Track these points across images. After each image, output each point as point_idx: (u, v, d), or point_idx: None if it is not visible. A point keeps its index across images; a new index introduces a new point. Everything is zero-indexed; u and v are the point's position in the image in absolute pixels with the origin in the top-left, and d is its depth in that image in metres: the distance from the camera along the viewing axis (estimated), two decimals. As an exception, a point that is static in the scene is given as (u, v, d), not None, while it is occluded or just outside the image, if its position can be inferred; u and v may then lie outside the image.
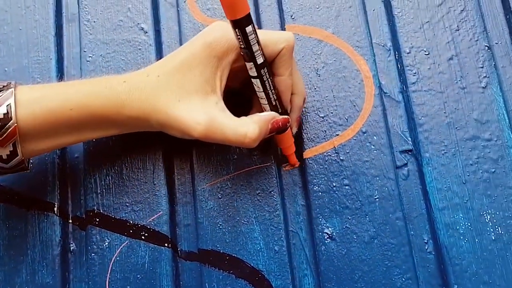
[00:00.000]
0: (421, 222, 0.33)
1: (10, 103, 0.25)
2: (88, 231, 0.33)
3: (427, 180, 0.34)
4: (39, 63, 0.36)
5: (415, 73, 0.35)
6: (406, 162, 0.34)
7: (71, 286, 0.33)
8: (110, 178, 0.34)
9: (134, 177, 0.34)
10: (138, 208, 0.34)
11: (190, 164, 0.34)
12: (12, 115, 0.25)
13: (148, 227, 0.33)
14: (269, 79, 0.30)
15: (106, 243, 0.33)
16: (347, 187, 0.34)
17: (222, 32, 0.28)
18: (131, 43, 0.37)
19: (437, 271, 0.32)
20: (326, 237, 0.33)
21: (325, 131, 0.35)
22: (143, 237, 0.33)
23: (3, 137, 0.25)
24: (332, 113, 0.35)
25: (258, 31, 0.28)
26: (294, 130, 0.33)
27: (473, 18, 0.36)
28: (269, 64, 0.30)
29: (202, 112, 0.27)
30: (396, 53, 0.36)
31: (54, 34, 0.37)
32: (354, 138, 0.34)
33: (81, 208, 0.34)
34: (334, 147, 0.34)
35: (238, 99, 0.33)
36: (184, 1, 0.38)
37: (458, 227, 0.33)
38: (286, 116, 0.31)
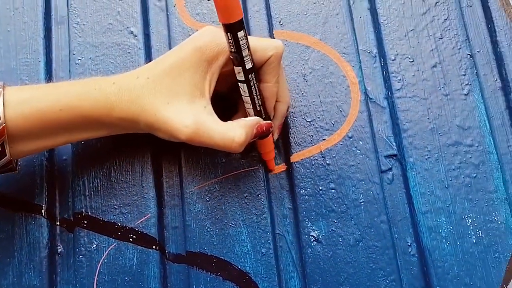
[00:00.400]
0: (404, 226, 0.34)
1: None
2: (76, 233, 0.34)
3: (411, 184, 0.35)
4: (27, 65, 0.37)
5: (399, 79, 0.37)
6: (390, 166, 0.35)
7: (58, 289, 0.33)
8: (98, 180, 0.35)
9: (122, 179, 0.35)
10: (126, 211, 0.34)
11: (178, 167, 0.35)
12: (0, 115, 0.26)
13: (136, 229, 0.34)
14: (255, 85, 0.31)
15: (94, 245, 0.34)
16: (333, 190, 0.35)
17: (212, 36, 0.29)
18: (121, 46, 0.38)
19: (420, 273, 0.34)
20: (312, 240, 0.34)
21: (312, 135, 0.36)
22: (131, 240, 0.34)
23: None
24: (319, 118, 0.36)
25: (248, 37, 0.29)
26: (276, 136, 0.34)
27: (456, 27, 0.38)
28: (257, 70, 0.31)
29: (190, 115, 0.28)
30: (382, 60, 0.38)
31: (43, 37, 0.38)
32: (340, 143, 0.36)
33: (69, 210, 0.34)
34: (321, 151, 0.36)
35: (224, 103, 0.34)
36: (174, 6, 0.39)
37: (440, 231, 0.34)
38: (269, 122, 0.32)
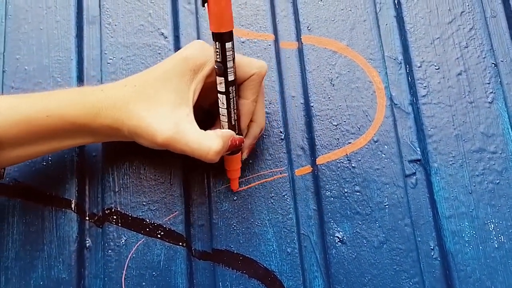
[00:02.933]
0: (428, 229, 0.39)
1: None
2: (105, 228, 0.39)
3: (435, 189, 0.40)
4: (59, 63, 0.43)
5: (425, 86, 0.42)
6: (414, 171, 0.41)
7: (86, 282, 0.38)
8: (128, 177, 0.40)
9: (151, 177, 0.40)
10: (154, 208, 0.40)
11: (206, 166, 0.40)
12: None
13: (164, 226, 0.39)
14: (234, 98, 0.34)
15: (123, 241, 0.39)
16: (358, 193, 0.40)
17: (199, 48, 0.34)
18: (151, 47, 0.43)
19: (442, 276, 0.38)
20: (337, 241, 0.39)
21: (338, 139, 0.41)
22: (159, 236, 0.39)
23: None
24: (345, 121, 0.42)
25: (235, 53, 0.34)
26: (244, 155, 0.38)
27: (481, 37, 0.44)
28: (238, 86, 0.35)
29: (170, 122, 0.32)
30: (407, 66, 0.43)
31: (75, 35, 0.43)
32: (366, 147, 0.41)
33: (98, 206, 0.39)
34: (347, 154, 0.41)
35: (204, 117, 0.38)
36: (204, 9, 0.44)
37: (463, 235, 0.39)
38: (242, 137, 0.36)
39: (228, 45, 0.32)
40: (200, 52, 0.34)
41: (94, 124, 0.32)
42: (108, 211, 0.39)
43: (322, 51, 0.43)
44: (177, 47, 0.43)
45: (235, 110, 0.35)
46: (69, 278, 0.38)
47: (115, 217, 0.39)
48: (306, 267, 0.39)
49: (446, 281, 0.38)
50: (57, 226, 0.39)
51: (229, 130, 0.35)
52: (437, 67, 0.43)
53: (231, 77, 0.34)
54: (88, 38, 0.43)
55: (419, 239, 0.39)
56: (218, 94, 0.35)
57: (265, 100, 0.42)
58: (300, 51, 0.43)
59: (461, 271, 0.38)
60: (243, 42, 0.44)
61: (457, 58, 0.43)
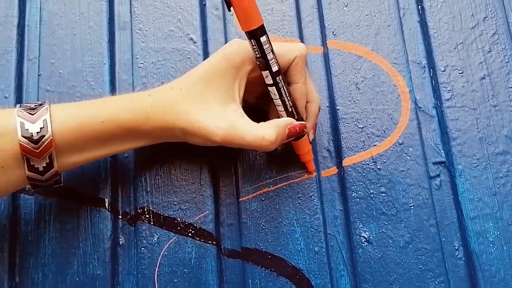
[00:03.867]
0: (452, 230, 0.42)
1: (46, 118, 0.32)
2: (138, 227, 0.42)
3: (460, 190, 0.43)
4: (92, 67, 0.46)
5: (449, 90, 0.45)
6: (439, 173, 0.43)
7: (120, 278, 0.41)
8: (159, 177, 0.43)
9: (182, 177, 0.43)
10: (185, 207, 0.43)
11: (234, 167, 0.43)
12: (48, 129, 0.32)
13: (195, 225, 0.42)
14: (284, 86, 0.37)
15: (155, 238, 0.42)
16: (383, 194, 0.43)
17: (239, 45, 0.36)
18: (181, 52, 0.47)
19: (467, 276, 0.41)
20: (363, 241, 0.42)
21: (363, 141, 0.44)
22: (189, 234, 0.42)
23: (40, 149, 0.32)
24: (370, 124, 0.44)
25: (272, 43, 0.37)
26: (311, 137, 0.41)
27: (504, 42, 0.46)
28: (284, 73, 0.37)
29: (222, 118, 0.35)
30: (431, 70, 0.46)
31: (107, 41, 0.47)
32: (391, 149, 0.44)
33: (130, 205, 0.43)
34: (372, 156, 0.44)
35: (255, 113, 0.41)
36: (232, 15, 0.48)
37: (488, 236, 0.42)
38: (303, 122, 0.39)
39: (263, 39, 0.35)
40: (240, 49, 0.36)
41: (145, 127, 0.35)
42: (141, 210, 0.42)
43: (347, 55, 0.46)
44: (205, 51, 0.47)
45: (288, 98, 0.38)
46: (104, 274, 0.41)
47: (147, 216, 0.42)
48: (333, 266, 0.41)
49: (471, 281, 0.41)
50: (92, 224, 0.42)
51: (285, 118, 0.38)
52: (460, 71, 0.46)
53: (274, 68, 0.36)
54: (120, 43, 0.47)
55: (444, 239, 0.42)
56: (268, 87, 0.37)
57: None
58: (326, 56, 0.46)
59: (485, 271, 0.41)
60: (270, 47, 0.47)
61: (481, 62, 0.46)
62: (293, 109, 0.39)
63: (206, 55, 0.47)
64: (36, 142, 0.32)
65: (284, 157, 0.44)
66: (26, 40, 0.47)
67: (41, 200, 0.42)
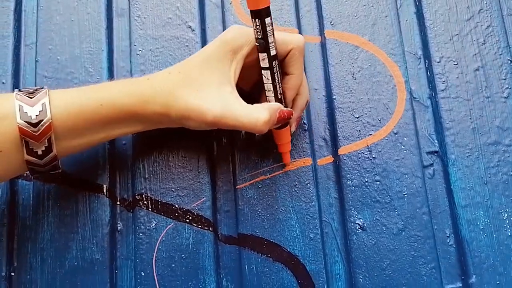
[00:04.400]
0: (444, 218, 0.44)
1: (44, 102, 0.33)
2: (136, 213, 0.43)
3: (452, 179, 0.44)
4: (90, 54, 0.47)
5: (444, 81, 0.47)
6: (432, 162, 0.45)
7: (118, 263, 0.42)
8: (157, 164, 0.44)
9: (179, 164, 0.44)
10: (183, 194, 0.44)
11: (232, 155, 0.45)
12: (47, 112, 0.33)
13: (192, 211, 0.43)
14: (278, 72, 0.38)
15: (153, 224, 0.43)
16: (378, 182, 0.44)
17: (237, 30, 0.38)
18: (179, 39, 0.47)
19: (457, 262, 0.43)
20: (357, 228, 0.43)
21: (359, 130, 0.46)
22: (187, 220, 0.43)
23: (39, 132, 0.32)
24: (366, 114, 0.46)
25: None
26: (293, 128, 0.42)
27: (498, 34, 0.48)
28: (280, 62, 0.38)
29: (217, 100, 0.35)
30: (427, 61, 0.47)
31: (105, 27, 0.48)
32: (386, 138, 0.45)
33: (128, 191, 0.44)
34: (367, 145, 0.45)
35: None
36: (230, 3, 0.49)
37: (478, 223, 0.43)
38: (290, 109, 0.39)
39: (267, 20, 0.36)
40: (239, 34, 0.37)
41: (144, 111, 0.35)
42: (139, 196, 0.44)
43: (345, 45, 0.48)
44: (203, 40, 0.48)
45: (280, 84, 0.39)
46: (103, 259, 0.42)
47: (145, 202, 0.43)
48: (327, 252, 0.43)
49: (461, 267, 0.43)
50: (90, 210, 0.43)
51: (276, 103, 0.39)
52: (455, 63, 0.47)
53: (273, 52, 0.37)
54: (118, 30, 0.48)
55: (435, 227, 0.43)
56: (262, 71, 0.38)
57: (289, 92, 0.46)
58: (323, 45, 0.48)
59: (475, 257, 0.43)
60: (267, 36, 0.48)
61: (475, 54, 0.47)
62: (282, 97, 0.39)
63: (204, 43, 0.47)
64: (35, 125, 0.32)
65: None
66: (23, 26, 0.47)
67: (39, 185, 0.43)
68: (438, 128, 0.46)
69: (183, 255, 0.42)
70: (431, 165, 0.45)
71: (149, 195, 0.44)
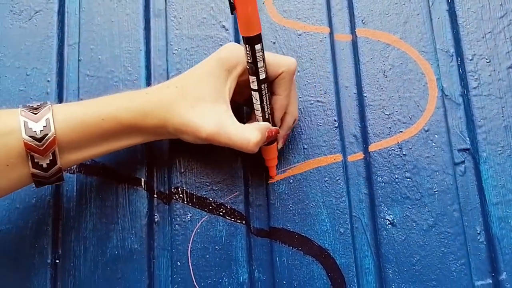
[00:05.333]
0: (475, 215, 0.45)
1: (48, 117, 0.35)
2: (172, 205, 0.46)
3: (483, 177, 0.46)
4: (129, 53, 0.50)
5: (476, 78, 0.48)
6: (463, 159, 0.46)
7: (155, 253, 0.45)
8: (192, 159, 0.47)
9: (214, 160, 0.47)
10: (217, 188, 0.47)
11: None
12: (51, 127, 0.35)
13: (226, 205, 0.46)
14: (267, 95, 0.40)
15: (188, 217, 0.46)
16: (408, 179, 0.46)
17: (232, 49, 0.40)
18: (213, 39, 0.50)
19: (487, 259, 0.44)
20: (387, 223, 0.45)
21: (389, 127, 0.47)
22: (221, 214, 0.46)
23: (43, 147, 0.34)
24: (397, 111, 0.48)
25: (266, 52, 0.39)
26: (280, 145, 0.44)
27: (533, 31, 0.49)
28: (270, 84, 0.41)
29: (212, 117, 0.38)
30: (459, 59, 0.49)
31: (143, 28, 0.51)
32: (417, 136, 0.47)
33: (165, 185, 0.47)
34: (398, 142, 0.47)
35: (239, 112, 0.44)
36: (263, 3, 0.51)
37: (510, 221, 0.45)
38: (277, 128, 0.42)
39: (257, 47, 0.38)
40: (233, 53, 0.40)
41: (143, 124, 0.38)
42: (175, 190, 0.47)
43: (376, 43, 0.49)
44: (237, 39, 0.50)
45: (268, 105, 0.41)
46: (141, 249, 0.45)
47: (181, 195, 0.46)
48: (357, 247, 0.45)
49: (491, 264, 0.44)
50: (129, 202, 0.46)
51: (265, 123, 0.41)
52: (488, 60, 0.48)
53: (262, 76, 0.39)
54: (155, 30, 0.51)
55: (466, 223, 0.45)
56: (252, 92, 0.41)
57: (320, 90, 0.49)
58: (354, 44, 0.50)
59: (506, 255, 0.44)
60: (299, 35, 0.50)
61: (508, 52, 0.48)
62: (270, 117, 0.42)
63: (237, 42, 0.50)
64: (39, 140, 0.34)
65: (312, 143, 0.47)
66: (66, 26, 0.51)
67: (82, 178, 0.47)
68: (470, 126, 0.47)
69: (216, 247, 0.45)
70: (463, 162, 0.46)
71: (184, 188, 0.47)
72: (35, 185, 0.37)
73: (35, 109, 0.36)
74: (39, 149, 0.35)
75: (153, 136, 0.40)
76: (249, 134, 0.38)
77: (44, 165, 0.35)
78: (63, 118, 0.36)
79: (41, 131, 0.35)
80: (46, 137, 0.35)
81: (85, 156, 0.38)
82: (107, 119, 0.37)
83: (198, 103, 0.38)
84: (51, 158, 0.35)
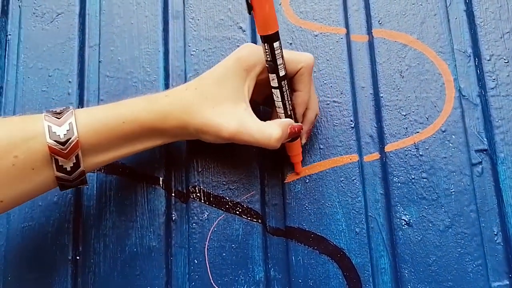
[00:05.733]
0: (492, 216, 0.45)
1: (71, 122, 0.36)
2: (189, 204, 0.47)
3: (501, 178, 0.46)
4: (148, 55, 0.51)
5: (494, 79, 0.48)
6: (481, 160, 0.46)
7: (173, 251, 0.47)
8: (209, 159, 0.48)
9: (230, 159, 0.48)
10: (233, 187, 0.48)
11: (280, 151, 0.48)
12: (74, 131, 0.36)
13: (242, 204, 0.47)
14: (287, 91, 0.41)
15: (205, 215, 0.47)
16: (425, 180, 0.46)
17: (250, 49, 0.41)
18: (231, 40, 0.51)
19: (505, 260, 0.44)
20: (403, 224, 0.46)
21: (406, 128, 0.48)
22: (237, 212, 0.47)
23: (67, 150, 0.35)
24: (413, 112, 0.48)
25: (284, 50, 0.39)
26: (304, 140, 0.45)
27: (552, 31, 0.49)
28: (290, 80, 0.42)
29: (232, 116, 0.38)
30: (476, 59, 0.49)
31: (161, 29, 0.52)
32: (434, 136, 0.47)
33: (182, 184, 0.48)
34: (414, 143, 0.47)
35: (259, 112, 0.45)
36: (279, 4, 0.52)
37: (528, 222, 0.45)
38: (300, 124, 0.43)
39: (276, 44, 0.39)
40: (251, 53, 0.41)
41: (164, 126, 0.39)
42: (192, 189, 0.48)
43: (393, 44, 0.50)
44: (254, 40, 0.51)
45: (289, 101, 0.42)
46: (159, 246, 0.47)
47: (198, 194, 0.48)
48: (373, 247, 0.46)
49: (508, 265, 0.44)
50: (147, 200, 0.48)
51: (287, 119, 0.42)
52: (506, 61, 0.48)
53: (282, 73, 0.40)
54: (173, 32, 0.52)
55: (483, 224, 0.45)
56: (272, 89, 0.42)
57: (336, 90, 0.49)
58: (371, 44, 0.50)
59: (524, 256, 0.44)
60: (316, 36, 0.51)
61: (527, 51, 0.48)
62: (292, 113, 0.43)
63: (254, 43, 0.51)
64: (63, 143, 0.35)
65: (328, 143, 0.48)
66: (87, 28, 0.53)
67: (102, 177, 0.48)
68: (488, 126, 0.47)
69: (233, 245, 0.46)
70: (480, 163, 0.46)
71: (202, 187, 0.48)
72: (59, 188, 0.38)
73: (58, 113, 0.37)
74: (63, 152, 0.36)
75: (173, 137, 0.41)
76: (270, 130, 0.39)
77: (68, 168, 0.36)
78: (85, 122, 0.37)
79: (64, 135, 0.36)
80: (70, 141, 0.36)
81: (107, 159, 0.39)
82: (128, 122, 0.38)
83: (218, 103, 0.39)
84: (74, 161, 0.36)
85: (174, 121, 0.39)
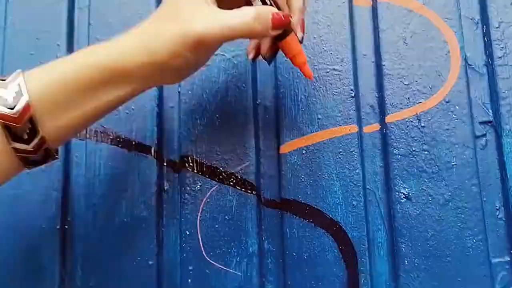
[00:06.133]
0: (494, 190, 0.44)
1: (19, 82, 0.31)
2: (182, 174, 0.46)
3: (505, 151, 0.44)
4: (140, 17, 0.50)
5: (502, 47, 0.46)
6: (485, 132, 0.45)
7: (164, 221, 0.46)
8: (203, 128, 0.47)
9: (225, 128, 0.47)
10: (228, 157, 0.46)
11: (276, 120, 0.47)
12: (23, 91, 0.31)
13: (236, 175, 0.46)
14: None
15: (198, 186, 0.46)
16: (426, 152, 0.45)
17: None
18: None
19: (506, 235, 0.43)
20: (402, 197, 0.45)
21: (408, 98, 0.46)
22: (231, 183, 0.46)
23: (18, 114, 0.30)
24: (416, 81, 0.46)
25: None
26: (299, 34, 0.38)
27: None
28: None
29: (196, 18, 0.33)
30: (484, 27, 0.47)
31: None
32: (437, 107, 0.46)
33: (175, 153, 0.47)
34: (416, 114, 0.46)
35: None
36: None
37: (531, 197, 0.43)
38: (286, 12, 0.36)
39: None
40: None
41: (129, 65, 0.33)
42: (185, 158, 0.46)
43: (397, 9, 0.48)
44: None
45: None
46: (150, 217, 0.46)
47: (191, 164, 0.46)
48: (370, 220, 0.45)
49: (509, 240, 0.43)
50: (139, 170, 0.47)
51: (266, 6, 0.36)
52: (516, 28, 0.46)
53: None
54: None
55: (485, 199, 0.44)
56: None
57: (337, 58, 0.47)
58: (374, 9, 0.48)
59: (526, 232, 0.43)
60: (317, 0, 0.49)
61: (539, 19, 0.46)
62: (272, 2, 0.37)
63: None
64: (13, 107, 0.31)
65: (326, 113, 0.46)
66: (76, -11, 0.50)
67: (92, 145, 0.47)
68: (493, 97, 0.45)
69: (226, 217, 0.45)
70: (484, 135, 0.45)
71: (195, 157, 0.46)
72: (23, 164, 0.33)
73: (4, 77, 0.32)
74: (13, 117, 0.31)
75: (140, 81, 0.34)
76: (243, 12, 0.34)
77: (25, 136, 0.31)
78: (35, 78, 0.32)
79: (13, 97, 0.31)
80: (19, 102, 0.31)
81: (71, 120, 0.33)
82: (83, 67, 0.33)
83: (176, 16, 0.34)
84: (30, 126, 0.31)
85: (138, 58, 0.33)
